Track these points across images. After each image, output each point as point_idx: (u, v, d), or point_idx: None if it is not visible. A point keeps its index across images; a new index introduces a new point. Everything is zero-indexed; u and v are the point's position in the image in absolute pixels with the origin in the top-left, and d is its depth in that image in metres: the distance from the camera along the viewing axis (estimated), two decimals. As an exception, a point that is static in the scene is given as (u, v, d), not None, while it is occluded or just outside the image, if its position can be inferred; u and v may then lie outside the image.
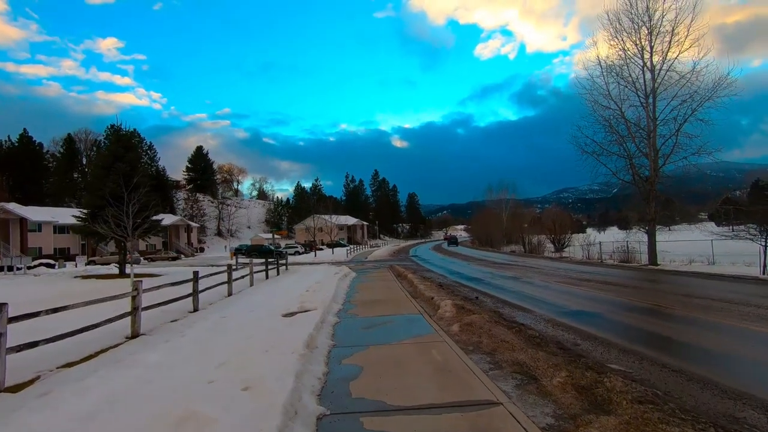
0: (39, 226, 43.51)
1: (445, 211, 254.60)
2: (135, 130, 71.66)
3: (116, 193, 15.52)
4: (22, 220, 41.23)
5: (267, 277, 18.95)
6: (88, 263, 38.27)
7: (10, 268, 29.23)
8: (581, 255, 33.25)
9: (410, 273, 17.73)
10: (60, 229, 44.15)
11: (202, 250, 67.27)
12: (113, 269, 24.36)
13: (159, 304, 9.01)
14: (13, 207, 41.01)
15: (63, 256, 43.37)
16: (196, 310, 10.51)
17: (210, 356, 5.44)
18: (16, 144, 65.04)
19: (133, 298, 7.63)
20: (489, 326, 6.92)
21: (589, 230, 73.61)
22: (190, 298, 10.63)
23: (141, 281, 7.86)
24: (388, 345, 6.01)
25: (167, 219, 59.60)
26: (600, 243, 33.58)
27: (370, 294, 12.12)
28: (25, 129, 65.87)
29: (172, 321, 9.14)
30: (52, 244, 44.49)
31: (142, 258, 44.36)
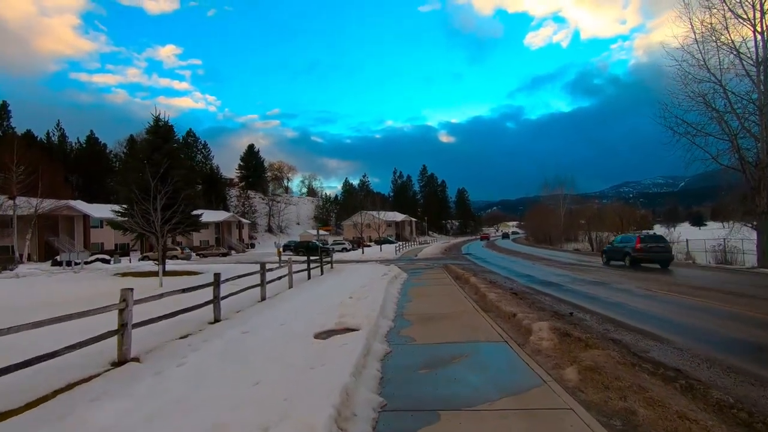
0: (101, 223, 45.17)
1: (495, 207, 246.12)
2: (191, 129, 74.04)
3: (146, 186, 14.24)
4: (85, 217, 42.95)
5: (309, 277, 17.14)
6: (142, 258, 39.03)
7: (69, 263, 29.93)
8: (665, 255, 29.15)
9: (471, 275, 15.15)
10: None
11: (252, 246, 67.99)
12: (155, 266, 23.76)
13: (168, 316, 7.23)
14: (77, 204, 42.77)
15: (122, 251, 44.82)
16: (217, 320, 8.70)
17: (183, 423, 3.36)
18: (84, 146, 69.04)
19: (121, 312, 5.77)
20: (628, 375, 4.33)
21: (656, 227, 66.79)
22: (212, 305, 8.87)
23: (132, 289, 6.00)
24: (474, 411, 3.59)
25: (220, 215, 60.77)
26: (687, 240, 29.65)
27: (428, 304, 9.74)
28: (91, 131, 69.81)
29: (181, 337, 7.32)
30: (113, 240, 46.08)
31: (194, 254, 44.83)
